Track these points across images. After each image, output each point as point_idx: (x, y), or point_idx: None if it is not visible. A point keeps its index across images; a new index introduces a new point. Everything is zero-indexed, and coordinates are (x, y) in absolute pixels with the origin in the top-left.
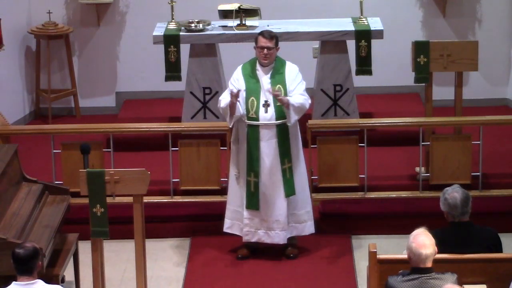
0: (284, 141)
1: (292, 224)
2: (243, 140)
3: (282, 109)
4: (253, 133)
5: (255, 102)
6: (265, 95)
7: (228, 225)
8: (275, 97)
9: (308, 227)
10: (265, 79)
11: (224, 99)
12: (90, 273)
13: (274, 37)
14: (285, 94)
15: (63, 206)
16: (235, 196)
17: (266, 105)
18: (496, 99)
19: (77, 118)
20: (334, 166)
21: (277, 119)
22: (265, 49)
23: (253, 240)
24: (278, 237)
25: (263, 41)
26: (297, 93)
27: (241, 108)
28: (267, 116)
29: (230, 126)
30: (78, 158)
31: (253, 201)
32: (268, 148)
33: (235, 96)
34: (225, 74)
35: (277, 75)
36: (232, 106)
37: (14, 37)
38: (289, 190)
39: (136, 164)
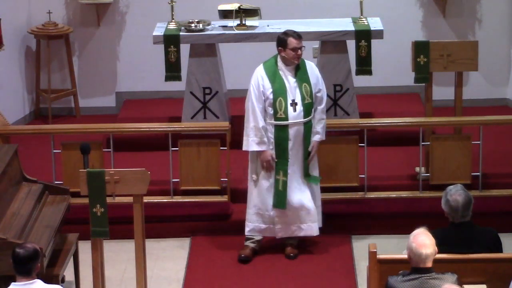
0: (308, 139)
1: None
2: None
3: (308, 107)
4: (282, 133)
5: (283, 102)
6: (292, 94)
7: (250, 228)
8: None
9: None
10: (290, 78)
11: (258, 133)
12: (90, 273)
13: (301, 35)
14: (310, 93)
15: (63, 206)
16: (256, 199)
17: (294, 104)
18: (496, 99)
19: (77, 118)
20: (334, 166)
21: (304, 116)
22: (299, 50)
23: (287, 236)
24: (311, 229)
25: (295, 43)
26: (319, 108)
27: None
28: (295, 114)
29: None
30: (78, 158)
31: (281, 200)
32: (296, 145)
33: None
34: (225, 74)
35: (301, 73)
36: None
37: (14, 37)
38: (314, 179)
39: (136, 164)
